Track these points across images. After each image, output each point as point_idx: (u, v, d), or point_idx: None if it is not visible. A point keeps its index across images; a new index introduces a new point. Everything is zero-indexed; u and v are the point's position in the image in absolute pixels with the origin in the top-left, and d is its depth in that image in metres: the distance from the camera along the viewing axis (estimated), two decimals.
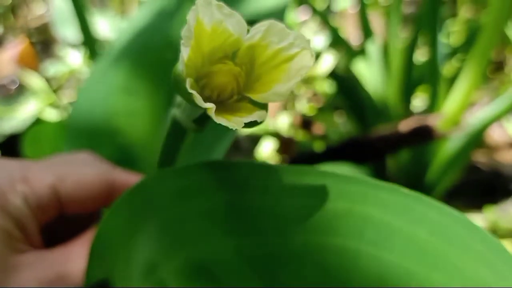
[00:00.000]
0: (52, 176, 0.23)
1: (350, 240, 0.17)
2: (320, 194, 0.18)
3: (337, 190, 0.18)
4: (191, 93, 0.14)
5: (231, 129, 0.30)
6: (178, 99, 0.19)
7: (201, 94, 0.15)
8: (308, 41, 0.15)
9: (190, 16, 0.14)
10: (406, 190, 0.17)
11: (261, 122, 0.15)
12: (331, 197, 0.18)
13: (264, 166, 0.19)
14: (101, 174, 0.25)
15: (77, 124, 0.32)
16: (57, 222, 0.25)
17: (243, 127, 0.14)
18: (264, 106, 0.15)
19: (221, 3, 0.14)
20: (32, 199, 0.22)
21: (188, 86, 0.14)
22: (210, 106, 0.14)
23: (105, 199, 0.25)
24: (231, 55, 0.15)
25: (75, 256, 0.22)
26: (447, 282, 0.15)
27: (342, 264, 0.17)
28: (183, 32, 0.14)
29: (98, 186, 0.24)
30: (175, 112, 0.19)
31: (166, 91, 0.33)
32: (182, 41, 0.14)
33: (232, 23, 0.15)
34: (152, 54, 0.34)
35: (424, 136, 0.52)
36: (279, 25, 0.15)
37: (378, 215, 0.17)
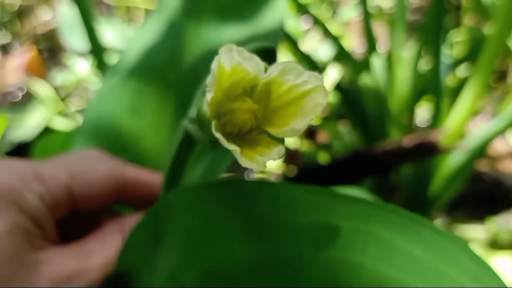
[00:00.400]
0: (65, 174, 0.24)
1: (354, 255, 0.18)
2: (328, 211, 0.19)
3: (344, 209, 0.19)
4: (216, 136, 0.15)
5: None
6: (193, 113, 0.20)
7: (222, 129, 0.16)
8: (322, 79, 0.16)
9: (213, 64, 0.15)
10: (404, 211, 0.19)
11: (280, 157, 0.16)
12: (339, 215, 0.19)
13: (276, 185, 0.21)
14: (113, 170, 0.26)
15: (85, 140, 0.34)
16: (69, 218, 0.26)
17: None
18: (281, 141, 0.17)
19: (242, 48, 0.15)
20: (48, 197, 0.23)
21: (213, 129, 0.15)
22: (234, 149, 0.15)
23: (117, 194, 0.26)
24: (249, 91, 0.17)
25: (92, 252, 0.23)
26: None
27: (346, 276, 0.18)
28: (208, 79, 0.15)
29: (110, 182, 0.25)
30: (188, 125, 0.20)
31: (169, 111, 0.34)
32: (207, 88, 0.15)
33: (250, 64, 0.16)
34: (156, 75, 0.35)
35: (427, 151, 0.52)
36: (294, 64, 0.16)
37: (380, 232, 0.19)
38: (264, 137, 0.17)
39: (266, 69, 0.16)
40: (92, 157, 0.26)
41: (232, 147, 0.15)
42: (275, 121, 0.17)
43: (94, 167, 0.25)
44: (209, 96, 0.15)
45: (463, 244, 0.18)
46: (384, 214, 0.19)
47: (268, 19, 0.34)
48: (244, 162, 0.15)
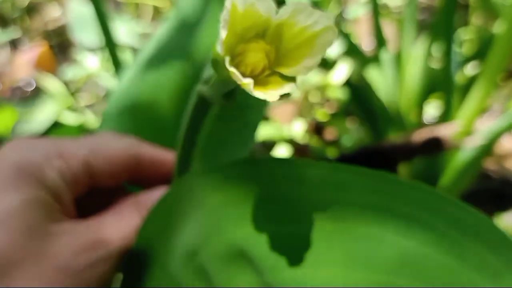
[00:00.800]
0: (85, 151, 0.25)
1: (375, 229, 0.19)
2: (349, 188, 0.20)
3: (365, 185, 0.20)
4: (230, 70, 0.15)
5: (255, 129, 0.32)
6: (206, 75, 0.21)
7: (237, 66, 0.17)
8: (331, 19, 0.17)
9: (227, 2, 0.15)
10: (426, 187, 0.19)
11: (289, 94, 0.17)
12: (360, 192, 0.20)
13: (299, 162, 0.21)
14: (129, 147, 0.26)
15: (108, 127, 0.34)
16: (86, 198, 0.26)
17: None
18: (293, 79, 0.17)
19: None
20: (68, 173, 0.24)
21: (227, 64, 0.15)
22: (248, 82, 0.15)
23: (133, 171, 0.27)
24: (262, 34, 0.17)
25: (108, 225, 0.23)
26: (459, 267, 0.18)
27: (367, 250, 0.19)
28: (222, 16, 0.15)
29: (127, 159, 0.26)
30: (202, 88, 0.21)
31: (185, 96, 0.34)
32: (220, 24, 0.15)
33: (262, 5, 0.16)
34: (174, 70, 0.35)
35: (436, 147, 0.53)
36: (305, 5, 0.16)
37: (402, 208, 0.19)
38: (276, 78, 0.17)
39: (277, 12, 0.17)
40: (110, 136, 0.27)
41: (246, 80, 0.15)
42: (287, 62, 0.17)
43: (111, 144, 0.26)
44: (223, 33, 0.15)
45: (485, 218, 0.18)
46: (406, 190, 0.19)
47: None
48: (257, 93, 0.15)
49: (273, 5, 0.16)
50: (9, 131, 0.77)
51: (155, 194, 0.26)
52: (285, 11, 0.16)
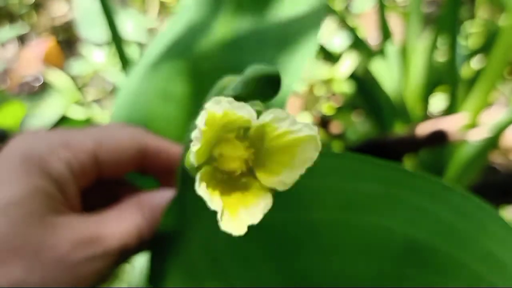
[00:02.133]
0: (91, 141, 0.25)
1: (384, 219, 0.19)
2: (359, 177, 0.20)
3: (374, 174, 0.20)
4: (199, 192, 0.15)
5: None
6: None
7: (214, 171, 0.16)
8: (315, 130, 0.16)
9: (199, 120, 0.15)
10: (434, 178, 0.19)
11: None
12: (368, 180, 0.20)
13: None
14: (136, 138, 0.26)
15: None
16: (91, 192, 0.26)
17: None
18: (271, 190, 0.17)
19: (231, 99, 0.15)
20: (74, 164, 0.24)
21: (197, 184, 0.15)
22: (216, 208, 0.15)
23: (139, 162, 0.27)
24: (242, 134, 0.16)
25: (108, 222, 0.23)
26: (465, 257, 0.18)
27: (377, 240, 0.19)
28: (193, 134, 0.15)
29: (133, 149, 0.26)
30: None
31: (200, 99, 0.35)
32: (193, 135, 0.15)
33: (242, 112, 0.15)
34: (188, 63, 0.35)
35: (441, 139, 0.53)
36: (287, 113, 0.16)
37: (410, 198, 0.19)
38: (255, 183, 0.17)
39: (259, 113, 0.16)
40: (116, 126, 0.27)
41: (214, 206, 0.15)
42: (268, 166, 0.16)
43: (118, 134, 0.26)
44: (194, 147, 0.15)
45: (491, 210, 0.18)
46: (414, 180, 0.19)
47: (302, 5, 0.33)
48: (225, 224, 0.15)
49: (252, 112, 0.15)
50: (18, 125, 0.77)
51: (159, 196, 0.26)
52: (266, 116, 0.16)
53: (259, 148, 0.16)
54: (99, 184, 0.27)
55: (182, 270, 0.23)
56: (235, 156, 0.16)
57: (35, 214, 0.21)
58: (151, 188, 0.28)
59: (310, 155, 0.16)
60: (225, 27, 0.35)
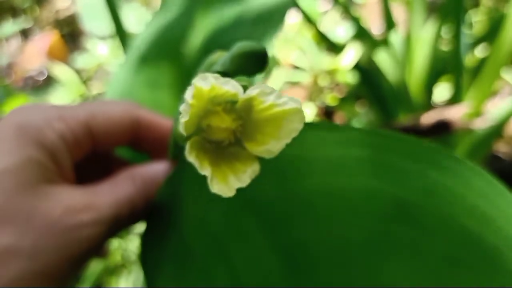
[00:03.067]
0: (85, 112, 0.25)
1: (370, 181, 0.20)
2: (348, 144, 0.20)
3: (362, 140, 0.20)
4: (189, 160, 0.16)
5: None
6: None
7: (203, 140, 0.17)
8: (300, 103, 0.16)
9: (187, 94, 0.15)
10: (420, 141, 0.20)
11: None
12: (357, 146, 0.20)
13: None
14: (129, 110, 0.27)
15: None
16: (85, 166, 0.27)
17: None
18: (258, 158, 0.17)
19: (217, 75, 0.16)
20: (68, 135, 0.24)
21: (187, 153, 0.16)
22: (207, 174, 0.16)
23: (132, 134, 0.27)
24: (229, 107, 0.17)
25: (101, 192, 0.24)
26: (453, 213, 0.18)
27: (366, 199, 0.19)
28: (181, 107, 0.15)
29: (126, 121, 0.26)
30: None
31: (184, 83, 0.36)
32: (182, 106, 0.15)
33: (228, 87, 0.16)
34: (171, 49, 0.36)
35: (445, 129, 0.53)
36: (272, 88, 0.16)
37: (396, 161, 0.20)
38: (242, 152, 0.17)
39: (245, 88, 0.16)
40: (109, 100, 0.28)
41: (204, 171, 0.16)
42: (255, 136, 0.17)
43: (111, 107, 0.26)
44: (183, 118, 0.15)
45: (476, 167, 0.19)
46: (401, 144, 0.20)
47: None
48: (214, 187, 0.16)
49: (239, 87, 0.16)
50: None
51: (151, 168, 0.26)
52: (252, 91, 0.16)
53: (246, 120, 0.17)
54: (92, 159, 0.27)
55: (175, 255, 0.24)
56: (222, 127, 0.17)
57: (28, 183, 0.21)
58: (143, 162, 0.29)
59: (295, 126, 0.16)
60: (206, 14, 0.36)
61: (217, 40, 0.36)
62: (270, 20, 0.35)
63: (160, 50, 0.37)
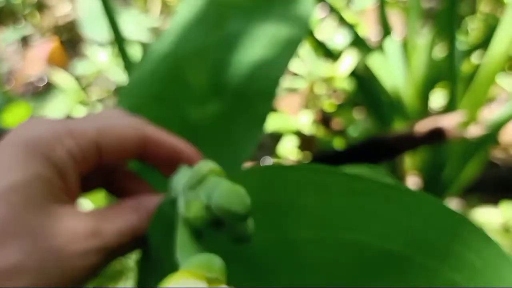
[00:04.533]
0: (93, 129, 0.25)
1: (359, 233, 0.19)
2: (331, 190, 0.20)
3: (348, 187, 0.20)
4: None
5: (264, 121, 0.33)
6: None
7: None
8: None
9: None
10: (404, 187, 0.20)
11: None
12: (341, 194, 0.20)
13: (276, 167, 0.22)
14: (137, 127, 0.27)
15: None
16: (92, 178, 0.27)
17: None
18: None
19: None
20: (77, 151, 0.24)
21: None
22: None
23: (140, 151, 0.27)
24: None
25: (106, 219, 0.24)
26: (439, 267, 0.18)
27: (353, 252, 0.19)
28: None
29: (134, 138, 0.26)
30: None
31: (195, 98, 0.36)
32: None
33: None
34: (182, 64, 0.36)
35: (440, 137, 0.53)
36: None
37: (382, 210, 0.19)
38: None
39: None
40: (118, 114, 0.28)
41: None
42: None
43: (119, 122, 0.26)
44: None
45: (461, 216, 0.19)
46: (385, 191, 0.19)
47: (294, 11, 0.35)
48: None
49: None
50: None
51: (158, 201, 0.26)
52: None
53: None
54: (97, 168, 0.27)
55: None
56: None
57: (36, 200, 0.21)
58: (148, 174, 0.29)
59: None
60: (218, 28, 0.36)
61: (229, 56, 0.36)
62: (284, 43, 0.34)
63: (171, 64, 0.37)
